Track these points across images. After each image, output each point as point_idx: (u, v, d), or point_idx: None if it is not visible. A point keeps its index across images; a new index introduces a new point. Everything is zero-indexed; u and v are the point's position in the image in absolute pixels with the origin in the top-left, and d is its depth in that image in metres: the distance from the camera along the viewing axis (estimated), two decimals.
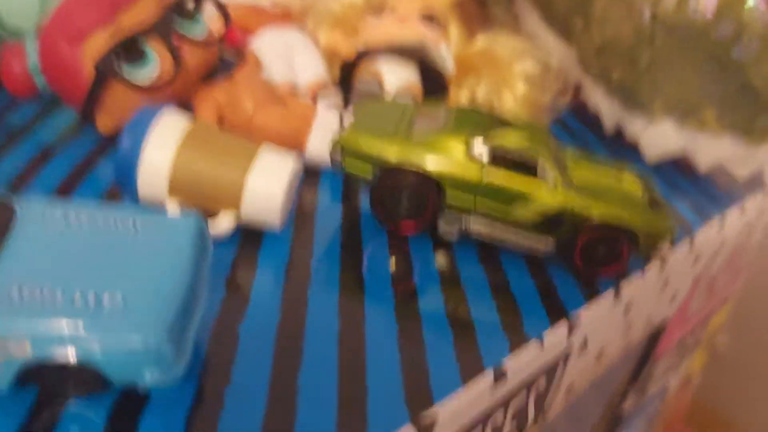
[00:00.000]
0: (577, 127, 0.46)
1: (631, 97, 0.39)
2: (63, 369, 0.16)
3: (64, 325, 0.16)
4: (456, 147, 0.26)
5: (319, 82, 0.39)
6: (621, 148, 0.43)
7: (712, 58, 0.35)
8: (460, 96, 0.42)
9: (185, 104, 0.32)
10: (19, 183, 0.26)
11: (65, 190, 0.26)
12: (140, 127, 0.24)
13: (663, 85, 0.37)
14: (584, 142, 0.44)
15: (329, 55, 0.41)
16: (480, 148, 0.26)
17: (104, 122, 0.30)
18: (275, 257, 0.25)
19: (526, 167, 0.26)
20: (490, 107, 0.41)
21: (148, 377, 0.17)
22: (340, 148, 0.27)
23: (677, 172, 0.41)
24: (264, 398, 0.18)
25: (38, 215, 0.18)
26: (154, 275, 0.18)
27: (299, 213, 0.28)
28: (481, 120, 0.28)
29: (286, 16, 0.42)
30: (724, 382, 0.77)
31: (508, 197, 0.26)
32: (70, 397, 0.17)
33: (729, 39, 0.34)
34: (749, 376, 0.80)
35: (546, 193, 0.26)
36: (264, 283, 0.23)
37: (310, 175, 0.31)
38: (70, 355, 0.16)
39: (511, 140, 0.26)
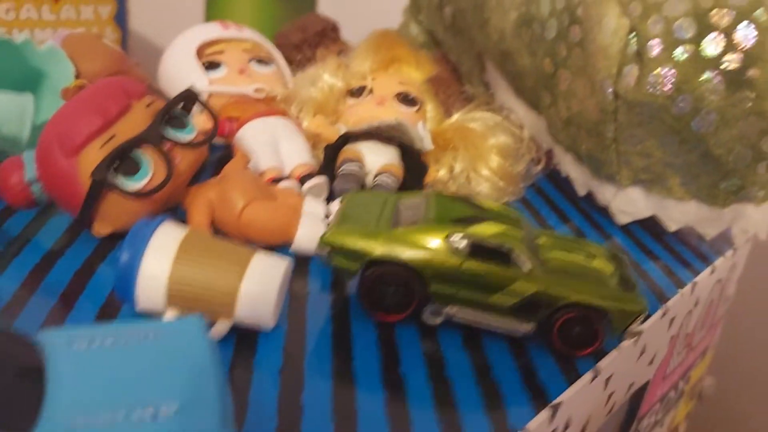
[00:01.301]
0: (551, 191, 0.48)
1: (598, 168, 0.41)
2: None
3: None
4: (436, 240, 0.28)
5: (305, 166, 0.41)
6: (594, 211, 0.45)
7: (673, 131, 0.37)
8: (439, 171, 0.44)
9: (178, 204, 0.33)
10: (24, 294, 0.28)
11: (69, 299, 0.28)
12: (137, 241, 0.26)
13: (628, 157, 0.39)
14: (559, 206, 0.46)
15: (314, 140, 0.43)
16: (459, 241, 0.28)
17: (101, 228, 0.31)
18: (269, 355, 0.26)
19: (502, 257, 0.28)
20: (467, 180, 0.43)
21: None
22: (328, 244, 0.28)
23: (648, 233, 0.43)
24: None
25: (65, 347, 0.19)
26: (194, 377, 0.19)
27: (291, 304, 0.29)
28: (459, 209, 0.30)
29: (270, 104, 0.44)
30: (714, 422, 0.78)
31: (487, 286, 0.28)
32: None
33: (687, 113, 0.36)
34: (739, 414, 0.81)
35: (522, 281, 0.28)
36: (260, 383, 0.24)
37: (300, 263, 0.33)
38: None
39: (488, 232, 0.28)
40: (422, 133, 0.43)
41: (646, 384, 0.38)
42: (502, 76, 0.52)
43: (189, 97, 0.33)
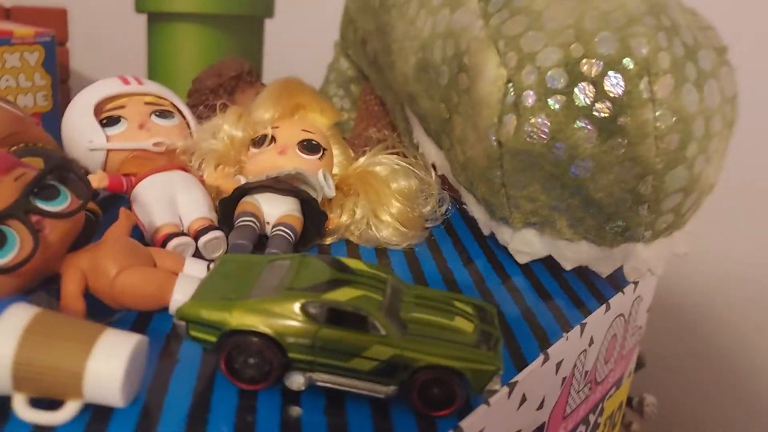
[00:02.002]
0: (461, 230, 0.48)
1: (493, 211, 0.42)
2: None
3: None
4: (293, 307, 0.28)
5: (202, 220, 0.41)
6: (499, 250, 0.45)
7: (553, 176, 0.38)
8: (342, 217, 0.44)
9: (54, 275, 0.33)
10: None
11: None
12: None
13: (517, 201, 0.40)
14: (465, 246, 0.46)
15: (215, 192, 0.44)
16: (315, 307, 0.28)
17: None
18: None
19: (359, 322, 0.28)
20: (368, 226, 0.44)
21: None
22: (182, 317, 0.28)
23: (548, 272, 0.43)
24: None
25: None
26: None
27: (156, 375, 0.29)
28: (321, 274, 0.30)
29: (170, 158, 0.44)
30: None
31: (345, 351, 0.28)
32: None
33: (564, 160, 0.37)
34: (690, 425, 0.82)
35: (378, 345, 0.28)
36: None
37: (174, 331, 0.33)
38: None
39: (344, 298, 0.28)
40: (322, 181, 0.43)
41: (542, 427, 0.38)
42: (414, 115, 0.52)
43: (59, 166, 0.34)
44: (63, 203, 0.33)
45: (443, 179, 0.49)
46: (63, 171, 0.34)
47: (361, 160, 0.47)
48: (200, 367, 0.30)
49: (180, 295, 0.33)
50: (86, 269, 0.33)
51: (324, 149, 0.46)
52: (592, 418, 0.46)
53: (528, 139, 0.37)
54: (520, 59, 0.37)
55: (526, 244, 0.42)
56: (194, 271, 0.35)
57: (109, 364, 0.26)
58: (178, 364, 0.30)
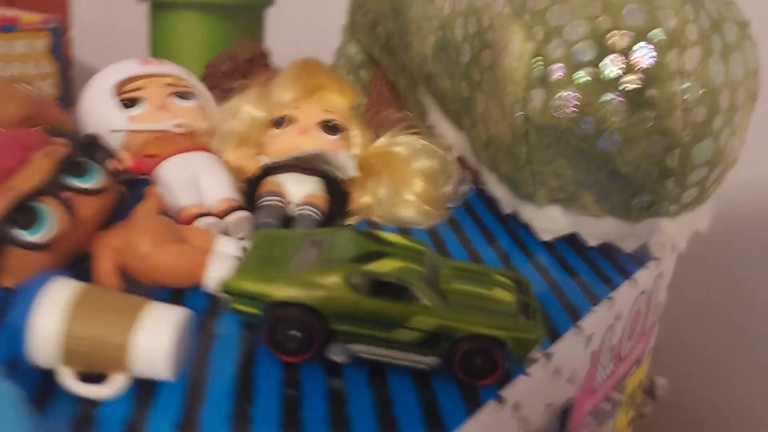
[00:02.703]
0: (480, 210, 0.48)
1: (517, 188, 0.42)
2: None
3: None
4: (335, 279, 0.28)
5: (227, 201, 0.40)
6: (520, 228, 0.45)
7: (580, 151, 0.38)
8: (365, 198, 0.44)
9: (87, 253, 0.33)
10: None
11: None
12: (26, 299, 0.26)
13: (543, 177, 0.40)
14: (486, 225, 0.46)
15: (237, 173, 0.43)
16: (357, 278, 0.28)
17: (8, 282, 0.31)
18: (167, 410, 0.26)
19: (402, 292, 0.28)
20: (392, 205, 0.44)
21: None
22: (227, 290, 0.28)
23: (571, 249, 0.44)
24: None
25: None
26: None
27: (198, 349, 0.29)
28: (361, 246, 0.30)
29: (192, 139, 0.44)
30: (672, 422, 0.79)
31: (388, 322, 0.28)
32: None
33: (592, 134, 0.37)
34: (697, 413, 0.82)
35: (421, 315, 0.28)
36: None
37: (212, 305, 0.33)
38: None
39: (386, 269, 0.28)
40: (345, 161, 0.43)
41: (571, 400, 0.38)
42: (430, 96, 0.52)
43: (90, 143, 0.33)
44: (93, 180, 0.33)
45: (461, 160, 0.49)
46: (92, 148, 0.34)
47: (382, 140, 0.47)
48: (240, 343, 0.30)
49: (214, 273, 0.33)
50: (119, 247, 0.33)
51: (344, 129, 0.45)
52: (615, 395, 0.46)
53: (555, 113, 0.37)
54: (547, 33, 0.37)
55: (550, 221, 0.42)
56: (225, 248, 0.35)
57: (156, 338, 0.26)
58: (217, 340, 0.30)
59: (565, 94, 0.36)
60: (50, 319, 0.25)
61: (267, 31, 1.02)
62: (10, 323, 0.25)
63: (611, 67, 0.36)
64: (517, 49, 0.38)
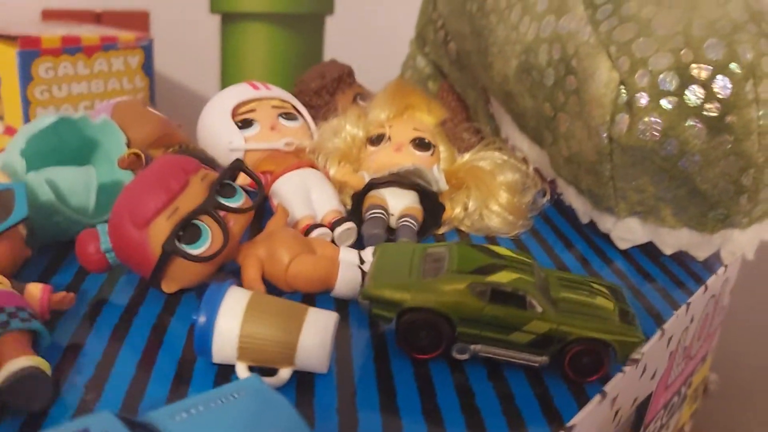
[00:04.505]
0: (557, 219, 0.53)
1: (598, 201, 0.46)
2: None
3: None
4: (461, 287, 0.33)
5: (335, 212, 0.45)
6: (596, 236, 0.50)
7: (662, 170, 0.42)
8: (455, 209, 0.49)
9: (232, 263, 0.38)
10: (112, 351, 0.32)
11: (150, 353, 0.32)
12: (212, 304, 0.31)
13: (624, 192, 0.44)
14: (564, 233, 0.50)
15: (340, 186, 0.48)
16: (480, 288, 0.32)
17: (168, 287, 0.36)
18: (326, 397, 0.31)
19: (518, 300, 0.32)
20: (480, 216, 0.48)
21: None
22: (368, 297, 0.33)
23: (645, 255, 0.48)
24: None
25: (169, 420, 0.24)
26: (281, 420, 0.25)
27: (338, 346, 0.34)
28: (479, 259, 0.34)
29: (299, 156, 0.49)
30: (720, 415, 0.82)
31: (507, 326, 0.32)
32: None
33: (675, 155, 0.41)
34: (742, 407, 0.85)
35: (536, 320, 0.32)
36: (322, 420, 0.29)
37: (340, 306, 0.38)
38: None
39: (505, 280, 0.32)
40: (437, 176, 0.48)
41: (650, 395, 0.42)
42: (506, 112, 0.56)
43: (236, 168, 0.38)
44: (240, 200, 0.38)
45: (536, 172, 0.53)
46: (237, 171, 0.39)
47: (467, 156, 0.51)
48: (373, 341, 0.35)
49: (343, 280, 0.38)
50: (263, 257, 0.38)
51: (434, 146, 0.50)
52: (683, 390, 0.50)
53: (641, 136, 0.41)
54: (633, 63, 0.41)
55: (628, 232, 0.46)
56: (348, 257, 0.40)
57: (318, 339, 0.31)
58: (353, 339, 0.35)
59: (651, 119, 0.40)
60: (231, 322, 0.30)
61: (327, 39, 1.07)
62: (198, 326, 0.30)
63: (693, 96, 0.40)
64: (603, 76, 0.42)
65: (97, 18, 0.84)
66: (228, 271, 0.39)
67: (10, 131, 0.66)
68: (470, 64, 0.61)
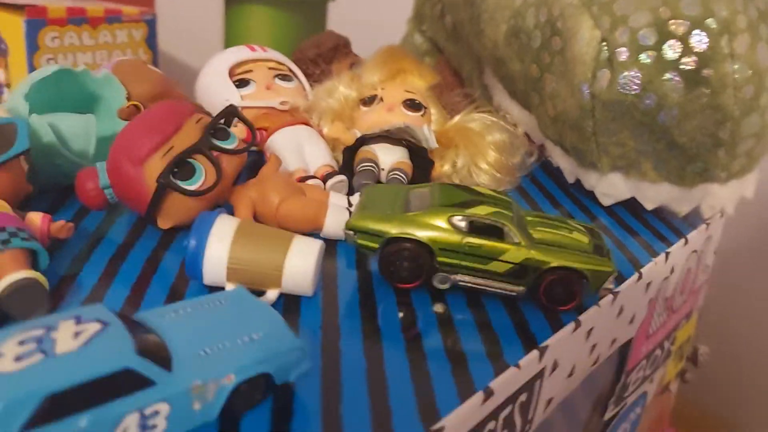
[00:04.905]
0: (544, 180, 0.54)
1: (582, 157, 0.47)
2: (251, 382, 0.25)
3: (249, 355, 0.25)
4: (441, 221, 0.34)
5: (327, 166, 0.47)
6: (582, 196, 0.51)
7: (642, 124, 0.43)
8: (444, 166, 0.50)
9: (224, 201, 0.40)
10: (107, 280, 0.34)
11: (144, 281, 0.34)
12: (202, 230, 0.32)
13: (606, 147, 0.45)
14: (551, 193, 0.52)
15: (333, 143, 0.50)
16: (460, 220, 0.34)
17: (163, 223, 0.38)
18: (311, 317, 0.32)
19: (496, 232, 0.34)
20: (469, 173, 0.50)
21: (296, 373, 0.26)
22: (352, 228, 0.35)
23: (629, 213, 0.49)
24: (319, 422, 0.25)
25: (159, 318, 0.26)
26: (265, 318, 0.27)
27: (324, 278, 0.36)
28: (459, 195, 0.36)
29: (294, 114, 0.50)
30: (711, 387, 0.84)
31: (485, 256, 0.34)
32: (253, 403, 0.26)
33: (653, 108, 0.42)
34: (735, 379, 0.87)
35: (513, 251, 0.34)
36: (306, 336, 0.31)
37: (329, 246, 0.39)
38: (254, 372, 0.24)
39: (483, 212, 0.34)
40: (427, 134, 0.49)
41: (630, 341, 0.44)
42: (497, 79, 0.58)
43: (230, 113, 0.40)
44: (233, 143, 0.39)
45: (525, 135, 0.55)
46: (230, 116, 0.40)
47: (457, 117, 0.53)
48: (358, 275, 0.37)
49: (332, 220, 0.39)
50: (254, 198, 0.39)
51: (425, 107, 0.51)
52: (666, 345, 0.52)
53: (621, 90, 0.42)
54: (613, 21, 0.43)
55: (611, 187, 0.48)
56: (338, 201, 0.41)
57: (304, 261, 0.32)
58: (339, 274, 0.37)
59: (630, 73, 0.42)
60: (221, 245, 0.32)
61: (329, 24, 1.08)
62: (189, 250, 0.32)
63: (671, 50, 0.41)
64: (586, 35, 0.44)
65: None
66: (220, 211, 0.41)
67: None
68: (464, 34, 0.62)
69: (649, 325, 0.45)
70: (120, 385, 0.22)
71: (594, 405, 0.46)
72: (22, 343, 0.22)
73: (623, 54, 0.42)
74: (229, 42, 0.99)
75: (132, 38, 0.72)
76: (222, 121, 0.40)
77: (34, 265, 0.32)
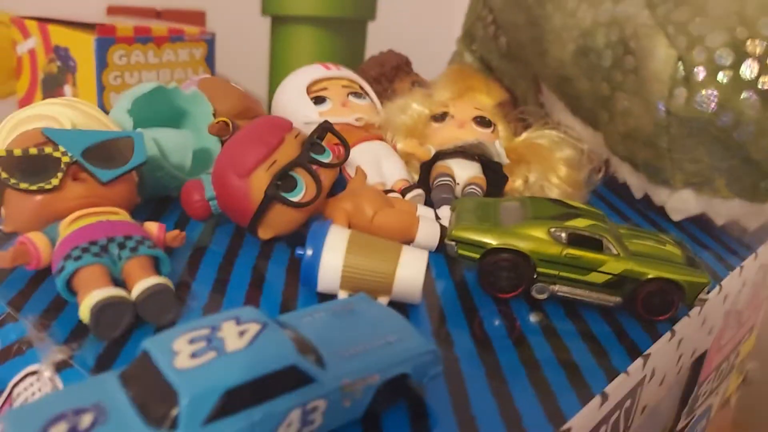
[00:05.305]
0: (609, 196, 0.55)
1: (655, 174, 0.49)
2: (394, 381, 0.26)
3: (391, 356, 0.26)
4: (541, 232, 0.35)
5: (404, 181, 0.48)
6: (649, 210, 0.52)
7: (718, 140, 0.44)
8: (516, 182, 0.51)
9: (319, 213, 0.41)
10: (219, 286, 0.35)
11: (255, 290, 0.35)
12: (318, 239, 0.34)
13: (681, 163, 0.47)
14: (618, 207, 0.53)
15: (406, 158, 0.51)
16: (560, 232, 0.35)
17: (265, 233, 0.39)
18: (419, 323, 0.33)
19: (594, 244, 0.35)
20: (541, 188, 0.51)
21: (430, 375, 0.27)
22: (455, 238, 0.36)
23: (698, 227, 0.50)
24: (453, 422, 0.27)
25: (301, 321, 0.27)
26: (395, 323, 0.28)
27: (425, 287, 0.37)
28: (553, 208, 0.37)
29: (368, 130, 0.52)
30: (759, 403, 0.84)
31: (584, 267, 0.35)
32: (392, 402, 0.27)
33: (730, 126, 0.43)
34: None
35: (612, 262, 0.35)
36: None
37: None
38: (396, 372, 0.26)
39: (582, 225, 0.35)
40: (499, 150, 0.51)
41: (705, 353, 0.45)
42: (559, 98, 0.59)
43: (324, 129, 0.42)
44: (329, 157, 0.41)
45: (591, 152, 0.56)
46: (325, 132, 0.42)
47: (525, 133, 0.54)
48: (454, 284, 0.38)
49: (424, 231, 0.40)
50: (349, 210, 0.41)
51: (494, 124, 0.53)
52: (732, 358, 0.52)
53: (698, 107, 0.44)
54: (690, 41, 0.44)
55: (683, 203, 0.49)
56: (426, 212, 0.43)
57: (414, 270, 0.34)
58: (435, 283, 0.38)
59: (707, 92, 0.43)
60: (336, 254, 0.33)
61: (368, 43, 1.11)
62: (305, 259, 0.33)
63: (747, 70, 0.43)
64: (662, 54, 0.45)
65: (158, 15, 0.89)
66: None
67: None
68: (522, 54, 0.64)
69: (722, 336, 0.46)
70: (287, 381, 0.23)
71: (669, 415, 0.47)
72: (192, 341, 0.24)
73: (700, 73, 0.44)
74: (275, 61, 1.01)
75: (193, 57, 0.75)
76: (318, 135, 0.41)
77: (157, 272, 0.34)
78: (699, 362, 0.45)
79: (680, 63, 0.45)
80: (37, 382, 0.30)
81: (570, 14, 0.54)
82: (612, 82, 0.50)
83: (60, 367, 0.28)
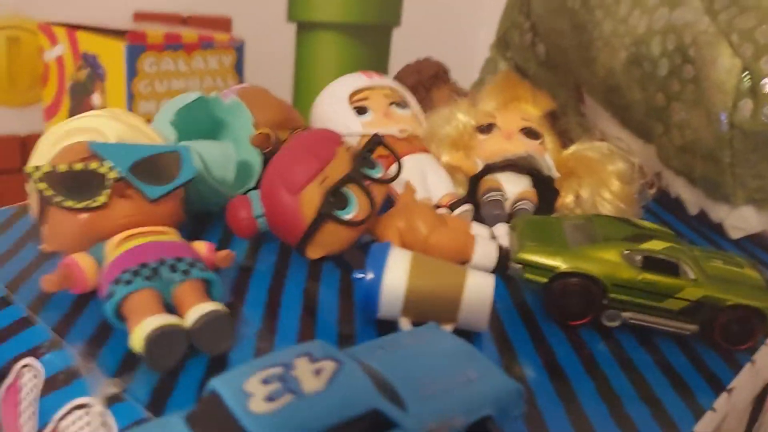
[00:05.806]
0: (662, 213, 0.53)
1: (714, 189, 0.46)
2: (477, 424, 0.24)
3: (474, 397, 0.24)
4: (614, 255, 0.33)
5: (451, 195, 0.46)
6: (704, 227, 0.50)
7: None
8: (566, 198, 0.49)
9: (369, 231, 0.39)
10: (271, 311, 0.34)
11: (309, 317, 0.33)
12: (378, 261, 0.32)
13: (743, 179, 0.44)
14: (671, 225, 0.51)
15: (452, 171, 0.49)
16: (635, 255, 0.33)
17: (314, 252, 0.37)
18: (487, 353, 0.31)
19: (671, 268, 0.33)
20: (593, 204, 0.49)
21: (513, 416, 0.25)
22: (522, 261, 0.34)
23: (756, 245, 0.48)
24: None
25: (372, 355, 0.25)
26: (472, 357, 0.26)
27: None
28: (623, 229, 0.35)
29: (412, 141, 0.50)
30: None
31: (660, 293, 0.33)
32: None
33: None
34: None
35: (690, 287, 0.33)
36: None
37: None
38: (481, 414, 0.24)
39: (658, 248, 0.33)
40: (549, 163, 0.49)
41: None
42: (606, 108, 0.57)
43: (376, 142, 0.40)
44: (380, 171, 0.39)
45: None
46: (377, 144, 0.40)
47: (573, 146, 0.52)
48: (517, 309, 0.36)
49: (481, 251, 0.38)
50: (402, 228, 0.39)
51: (542, 135, 0.51)
52: None
53: (765, 120, 0.42)
54: (757, 50, 0.42)
55: (742, 220, 0.47)
56: (481, 231, 0.41)
57: (481, 295, 0.32)
58: (497, 306, 0.36)
59: None
60: (399, 278, 0.31)
61: (393, 49, 1.09)
62: (365, 282, 0.31)
63: None
64: (725, 63, 0.43)
65: (184, 22, 0.87)
66: (363, 242, 0.40)
67: None
68: (565, 61, 0.62)
69: None
70: (368, 426, 0.21)
71: None
72: (265, 381, 0.22)
73: None
74: (300, 66, 1.00)
75: (222, 65, 0.73)
76: (369, 149, 0.39)
77: (209, 296, 0.32)
78: (765, 392, 0.42)
79: (746, 73, 0.42)
80: (86, 416, 0.28)
81: (621, 21, 0.52)
82: (668, 92, 0.48)
83: (111, 401, 0.27)
